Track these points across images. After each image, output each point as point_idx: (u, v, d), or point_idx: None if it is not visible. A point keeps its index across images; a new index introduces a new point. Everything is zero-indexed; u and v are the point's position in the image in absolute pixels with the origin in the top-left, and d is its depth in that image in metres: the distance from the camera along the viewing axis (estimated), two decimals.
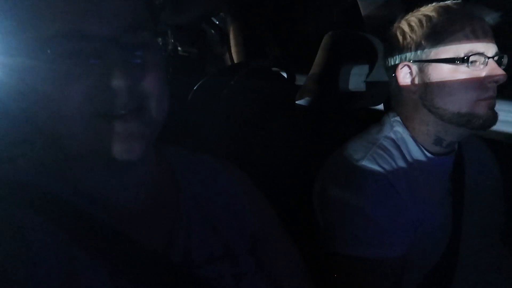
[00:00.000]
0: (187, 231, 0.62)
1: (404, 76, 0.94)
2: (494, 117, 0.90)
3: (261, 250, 0.71)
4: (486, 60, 0.87)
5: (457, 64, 0.87)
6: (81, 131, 0.51)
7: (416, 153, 0.96)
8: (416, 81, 0.93)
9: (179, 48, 2.62)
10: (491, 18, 0.90)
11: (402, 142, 0.96)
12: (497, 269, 1.00)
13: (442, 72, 0.89)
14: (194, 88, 1.44)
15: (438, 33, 0.89)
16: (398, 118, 0.99)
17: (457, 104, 0.89)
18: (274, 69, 1.63)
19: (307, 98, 1.37)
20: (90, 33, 0.49)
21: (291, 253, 0.76)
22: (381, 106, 1.35)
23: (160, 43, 0.56)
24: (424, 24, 0.91)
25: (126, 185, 0.60)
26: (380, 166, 0.90)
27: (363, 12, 1.49)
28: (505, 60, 0.91)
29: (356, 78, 1.25)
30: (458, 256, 0.95)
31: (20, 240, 0.51)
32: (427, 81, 0.91)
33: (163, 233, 0.61)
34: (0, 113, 0.55)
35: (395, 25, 0.98)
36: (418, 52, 0.91)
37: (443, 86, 0.89)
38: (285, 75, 1.59)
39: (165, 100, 0.57)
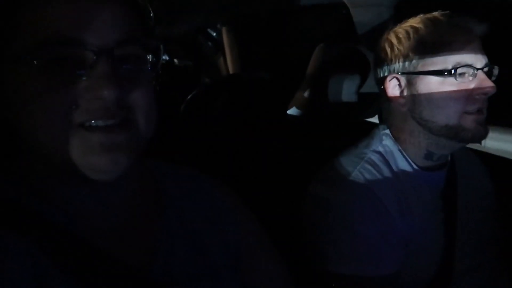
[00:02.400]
0: (168, 249, 0.61)
1: (393, 88, 0.93)
2: (484, 131, 0.88)
3: (246, 267, 0.69)
4: (475, 71, 0.86)
5: (445, 76, 0.86)
6: (65, 141, 0.50)
7: (406, 168, 0.94)
8: (405, 93, 0.92)
9: (175, 60, 2.62)
10: (479, 29, 0.89)
11: (391, 156, 0.94)
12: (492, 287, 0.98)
13: (430, 84, 0.88)
14: (187, 98, 1.44)
15: (425, 45, 0.88)
16: (388, 131, 0.97)
17: (445, 117, 0.88)
18: (267, 80, 1.63)
19: (299, 109, 1.36)
20: (82, 42, 0.49)
21: (278, 270, 0.74)
22: (375, 119, 1.34)
23: (152, 59, 0.56)
24: (411, 36, 0.90)
25: (107, 200, 0.59)
26: (368, 181, 0.88)
27: (356, 20, 1.49)
28: (495, 71, 0.90)
29: (347, 90, 1.25)
30: (453, 274, 0.93)
31: None
32: (415, 93, 0.90)
33: (144, 250, 0.60)
34: None
35: (384, 37, 0.97)
36: (406, 64, 0.90)
37: (431, 98, 0.88)
38: (278, 86, 1.59)
39: (154, 114, 0.56)
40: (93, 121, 0.50)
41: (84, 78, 0.49)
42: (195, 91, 1.45)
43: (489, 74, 0.88)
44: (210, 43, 2.47)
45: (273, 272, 0.73)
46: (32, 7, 0.49)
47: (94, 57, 0.49)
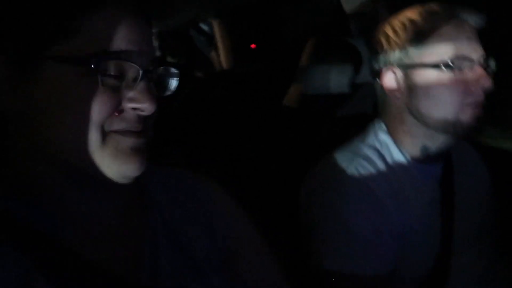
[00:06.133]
0: (154, 255, 0.61)
1: (389, 81, 0.92)
2: (479, 124, 0.87)
3: (236, 267, 0.69)
4: (473, 64, 0.85)
5: (441, 68, 0.85)
6: (100, 145, 0.54)
7: (401, 161, 0.93)
8: (401, 86, 0.91)
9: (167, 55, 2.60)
10: (476, 20, 0.88)
11: (387, 150, 0.93)
12: (490, 278, 0.98)
13: (427, 77, 0.87)
14: (181, 95, 1.43)
15: (421, 37, 0.87)
16: (383, 126, 0.96)
17: (442, 110, 0.87)
18: (261, 73, 1.62)
19: (293, 103, 1.36)
20: (133, 58, 0.54)
21: (270, 269, 0.73)
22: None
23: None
24: (408, 28, 0.88)
25: (102, 205, 0.60)
26: (363, 177, 0.87)
27: (347, 11, 1.48)
28: (492, 63, 0.89)
29: (339, 82, 1.25)
30: (451, 267, 0.92)
31: None
32: (412, 86, 0.89)
33: (131, 257, 0.60)
34: None
35: (379, 29, 0.95)
36: (402, 56, 0.89)
37: (428, 91, 0.87)
38: (272, 79, 1.58)
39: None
40: (126, 128, 0.55)
41: (128, 89, 0.54)
42: (189, 86, 1.45)
43: (485, 66, 0.87)
44: (202, 37, 2.45)
45: (266, 270, 0.72)
46: (96, 18, 0.52)
47: (141, 73, 0.54)
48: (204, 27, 2.41)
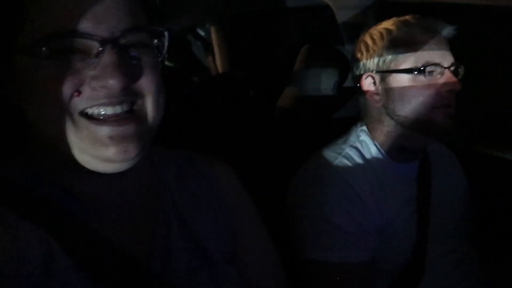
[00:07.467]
0: (165, 240, 0.62)
1: (368, 85, 0.99)
2: (452, 125, 0.94)
3: (241, 255, 0.71)
4: (443, 70, 0.93)
5: (415, 74, 0.93)
6: (70, 131, 0.51)
7: (380, 161, 0.99)
8: (379, 90, 0.98)
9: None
10: (447, 31, 0.95)
11: (367, 150, 1.00)
12: (464, 270, 1.03)
13: (402, 81, 0.94)
14: (178, 98, 1.48)
15: (397, 45, 0.95)
16: (364, 128, 1.03)
17: (415, 111, 0.94)
18: (256, 78, 1.68)
19: (285, 106, 1.42)
20: (88, 33, 0.50)
21: (272, 258, 0.75)
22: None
23: (158, 44, 0.56)
24: (385, 37, 0.96)
25: (118, 190, 0.60)
26: (344, 175, 0.94)
27: (340, 21, 1.55)
28: (461, 70, 0.96)
29: (329, 86, 1.31)
30: (425, 260, 0.98)
31: (10, 241, 0.50)
32: (389, 90, 0.96)
33: (144, 242, 0.60)
34: None
35: (360, 38, 1.03)
36: (380, 63, 0.97)
37: (403, 94, 0.94)
38: (266, 84, 1.64)
39: (162, 100, 0.57)
40: (102, 110, 0.51)
41: (90, 68, 0.50)
42: (186, 90, 1.50)
43: (455, 73, 0.95)
44: (199, 43, 2.51)
45: (268, 259, 0.74)
46: (40, 1, 0.50)
47: (100, 47, 0.50)
48: (201, 32, 2.46)
